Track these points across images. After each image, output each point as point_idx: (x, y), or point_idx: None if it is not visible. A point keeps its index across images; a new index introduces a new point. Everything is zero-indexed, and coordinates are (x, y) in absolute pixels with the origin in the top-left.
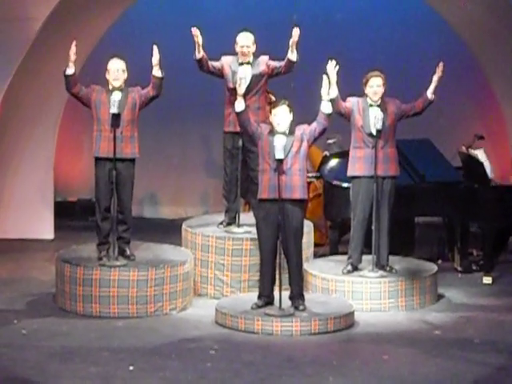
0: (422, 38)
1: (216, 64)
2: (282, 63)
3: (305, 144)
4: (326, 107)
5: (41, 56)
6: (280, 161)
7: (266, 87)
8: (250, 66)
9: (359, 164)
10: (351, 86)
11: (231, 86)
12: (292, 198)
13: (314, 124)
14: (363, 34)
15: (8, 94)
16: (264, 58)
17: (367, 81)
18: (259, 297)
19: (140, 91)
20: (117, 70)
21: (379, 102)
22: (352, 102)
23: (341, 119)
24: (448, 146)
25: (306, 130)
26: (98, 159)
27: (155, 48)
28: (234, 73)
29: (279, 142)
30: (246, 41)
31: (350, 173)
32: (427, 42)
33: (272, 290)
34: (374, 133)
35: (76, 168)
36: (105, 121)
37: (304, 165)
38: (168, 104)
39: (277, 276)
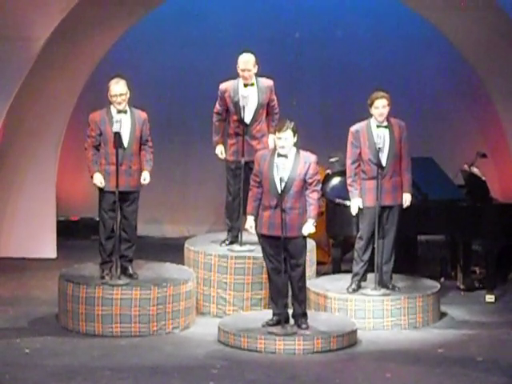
0: (424, 55)
1: (221, 109)
2: (275, 117)
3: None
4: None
5: (43, 75)
6: (280, 195)
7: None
8: (253, 86)
9: (368, 196)
10: (352, 101)
11: (235, 118)
12: (290, 236)
13: (308, 194)
14: (364, 51)
15: (11, 113)
16: (269, 84)
17: (372, 102)
18: (273, 314)
19: (146, 124)
20: (119, 94)
21: (385, 122)
22: (357, 139)
23: (343, 137)
24: (450, 164)
25: (309, 172)
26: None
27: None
28: (235, 104)
29: (281, 177)
30: (246, 65)
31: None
32: (429, 60)
33: (283, 307)
34: (376, 154)
35: (78, 187)
36: (112, 155)
37: (304, 203)
38: (170, 121)
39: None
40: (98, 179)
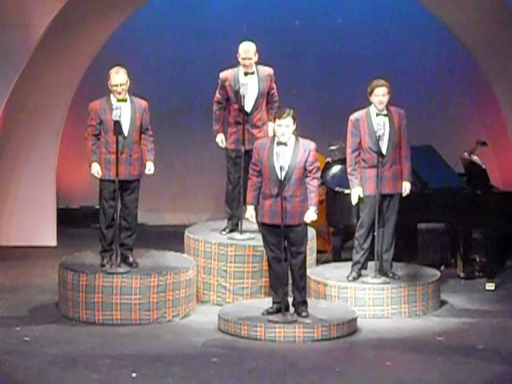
0: (424, 43)
1: (221, 98)
2: (274, 105)
3: (305, 172)
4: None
5: (43, 63)
6: (281, 183)
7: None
8: (254, 75)
9: (369, 184)
10: (352, 90)
11: (235, 106)
12: (291, 224)
13: (309, 181)
14: (364, 39)
15: (11, 101)
16: (269, 72)
17: (372, 90)
18: (273, 302)
19: (146, 112)
20: (120, 84)
21: (385, 110)
22: (356, 128)
23: (342, 125)
24: (451, 152)
25: (309, 160)
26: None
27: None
28: (236, 92)
29: (281, 165)
30: (247, 53)
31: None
32: (429, 48)
33: (284, 295)
34: (376, 142)
35: (78, 175)
36: (112, 143)
37: (304, 190)
38: (170, 110)
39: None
40: (95, 169)
